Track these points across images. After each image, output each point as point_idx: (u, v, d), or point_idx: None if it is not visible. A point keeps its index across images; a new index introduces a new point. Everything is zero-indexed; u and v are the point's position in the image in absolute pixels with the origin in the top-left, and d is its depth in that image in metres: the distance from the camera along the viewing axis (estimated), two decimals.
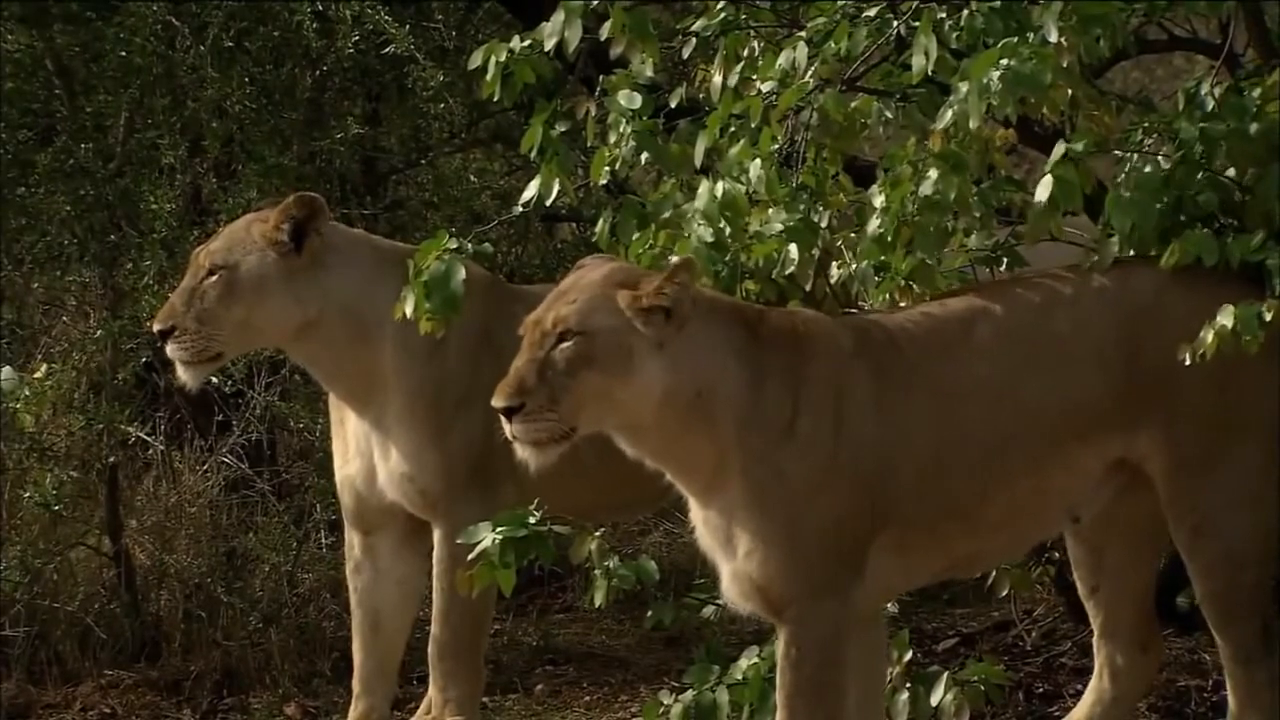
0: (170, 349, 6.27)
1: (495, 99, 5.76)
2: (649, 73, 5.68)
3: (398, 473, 6.32)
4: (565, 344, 5.16)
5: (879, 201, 5.38)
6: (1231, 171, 5.34)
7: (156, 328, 6.29)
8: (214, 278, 6.25)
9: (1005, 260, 5.63)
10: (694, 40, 5.80)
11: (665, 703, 5.70)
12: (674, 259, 5.45)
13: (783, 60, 5.52)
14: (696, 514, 5.36)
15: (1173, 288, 5.29)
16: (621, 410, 5.19)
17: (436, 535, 6.32)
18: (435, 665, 6.39)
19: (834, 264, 5.57)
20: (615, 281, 5.23)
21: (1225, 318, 5.01)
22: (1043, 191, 5.22)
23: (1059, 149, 5.22)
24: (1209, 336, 5.02)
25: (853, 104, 5.54)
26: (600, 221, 5.77)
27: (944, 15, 5.36)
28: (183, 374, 6.32)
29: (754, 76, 5.61)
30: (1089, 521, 5.45)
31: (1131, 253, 5.36)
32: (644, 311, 5.16)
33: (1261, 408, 5.28)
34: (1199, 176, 5.30)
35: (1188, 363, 5.05)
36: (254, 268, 6.26)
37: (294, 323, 6.29)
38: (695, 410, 5.20)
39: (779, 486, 5.19)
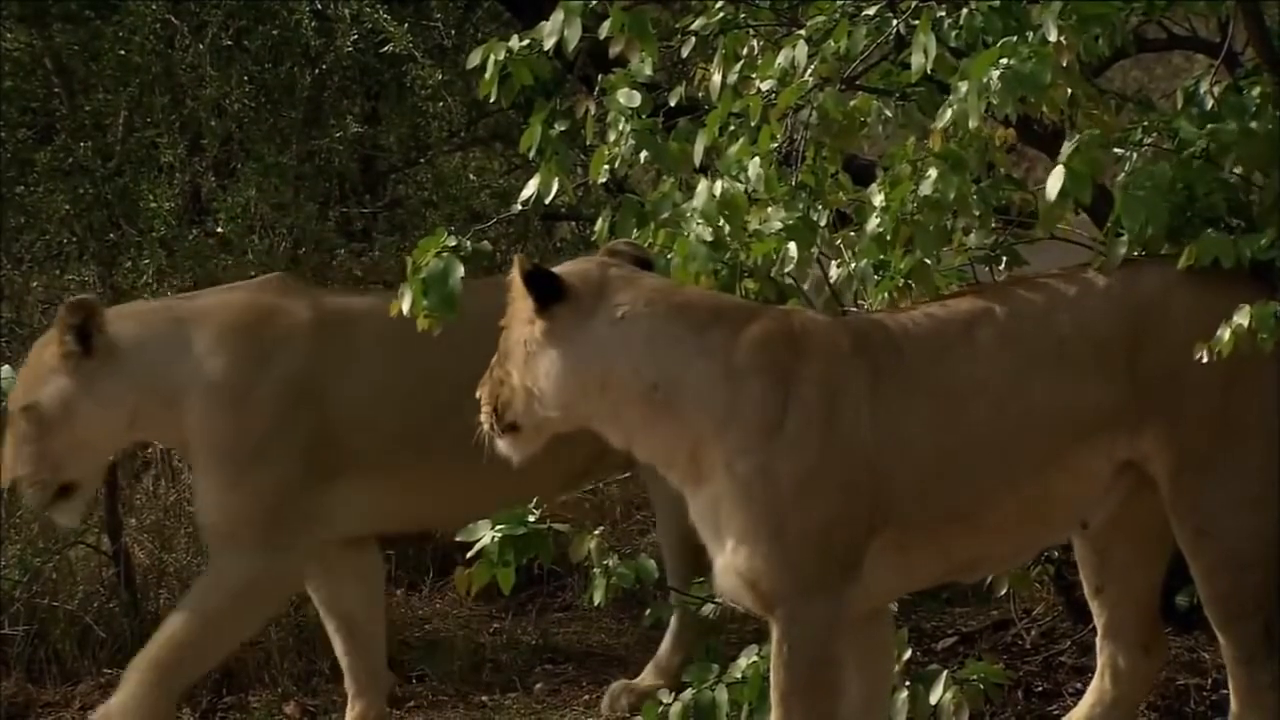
0: (27, 501, 6.28)
1: (493, 99, 5.77)
2: (648, 71, 5.67)
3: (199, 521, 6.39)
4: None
5: (878, 200, 5.38)
6: (1238, 170, 5.33)
7: (4, 486, 6.28)
8: (25, 420, 6.22)
9: (1004, 259, 5.62)
10: (693, 39, 5.81)
11: (664, 702, 5.69)
12: (674, 259, 5.46)
13: (782, 59, 5.52)
14: (690, 506, 5.35)
15: (1179, 287, 5.27)
16: (546, 403, 5.23)
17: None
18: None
19: (833, 263, 5.57)
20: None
21: (1242, 317, 4.99)
22: (1054, 183, 5.20)
23: (1070, 144, 5.20)
24: (1226, 335, 5.00)
25: (852, 103, 5.54)
26: (599, 220, 5.77)
27: (943, 14, 5.35)
28: (56, 517, 6.34)
29: (753, 75, 5.61)
30: (1096, 523, 5.44)
31: (1139, 252, 5.35)
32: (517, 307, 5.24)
33: (1265, 409, 5.26)
34: (1209, 177, 5.29)
35: (1205, 361, 5.02)
36: (53, 394, 6.23)
37: (120, 422, 6.26)
38: (653, 404, 5.19)
39: (765, 484, 5.16)
